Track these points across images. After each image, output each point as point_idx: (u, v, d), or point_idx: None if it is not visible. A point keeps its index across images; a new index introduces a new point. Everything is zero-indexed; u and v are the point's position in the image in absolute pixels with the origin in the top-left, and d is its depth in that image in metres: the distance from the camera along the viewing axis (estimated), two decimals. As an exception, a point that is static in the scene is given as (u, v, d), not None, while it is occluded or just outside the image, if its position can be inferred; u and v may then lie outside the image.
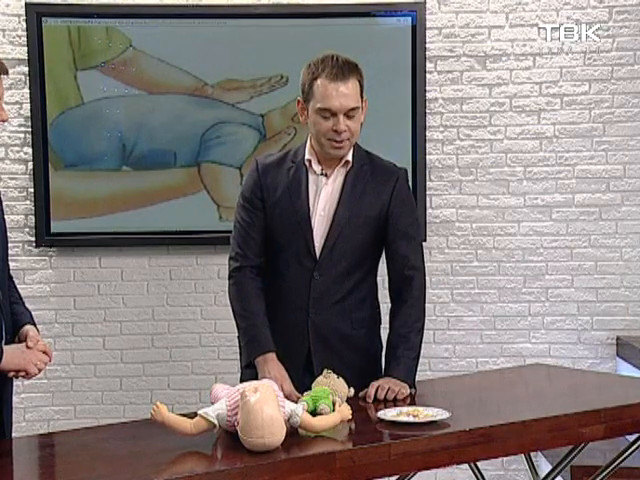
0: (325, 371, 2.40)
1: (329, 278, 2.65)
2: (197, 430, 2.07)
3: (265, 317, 2.64)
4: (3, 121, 2.33)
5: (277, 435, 1.99)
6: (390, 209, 2.67)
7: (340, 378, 2.39)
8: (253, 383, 2.11)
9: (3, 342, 2.33)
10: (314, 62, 2.59)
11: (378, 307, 2.78)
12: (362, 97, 2.61)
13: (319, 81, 2.56)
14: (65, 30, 4.11)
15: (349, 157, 2.67)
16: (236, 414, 2.05)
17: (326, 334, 2.64)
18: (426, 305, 2.70)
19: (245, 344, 2.65)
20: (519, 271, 4.27)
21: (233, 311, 2.71)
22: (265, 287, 2.70)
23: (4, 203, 2.56)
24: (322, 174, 2.67)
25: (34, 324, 2.47)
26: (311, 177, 2.67)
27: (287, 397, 2.25)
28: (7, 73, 2.35)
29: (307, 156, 2.67)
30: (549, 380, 3.00)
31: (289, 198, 2.66)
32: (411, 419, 2.21)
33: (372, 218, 2.66)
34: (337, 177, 2.68)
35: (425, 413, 2.24)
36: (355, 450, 2.04)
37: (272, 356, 2.58)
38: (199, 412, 2.09)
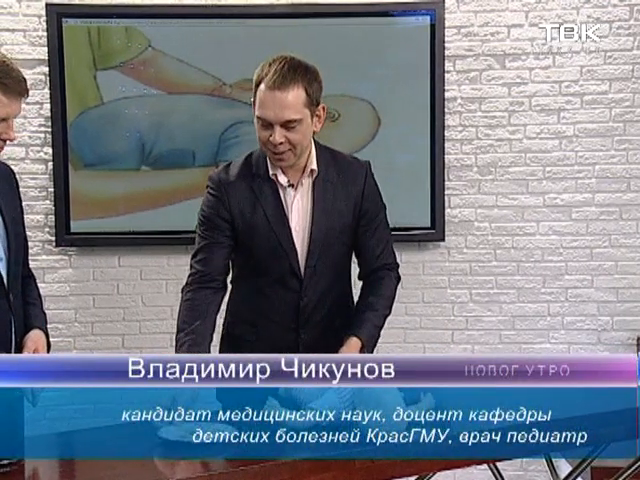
0: None
1: (315, 296, 2.57)
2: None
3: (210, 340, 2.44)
4: (10, 140, 2.32)
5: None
6: (362, 210, 2.59)
7: None
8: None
9: (13, 345, 2.33)
10: (264, 63, 2.48)
11: (353, 303, 2.71)
12: (314, 105, 2.45)
13: (261, 86, 2.43)
14: (85, 30, 4.13)
15: (314, 165, 2.54)
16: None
17: (317, 349, 2.39)
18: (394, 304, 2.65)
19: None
20: (538, 271, 4.25)
21: (178, 325, 2.46)
22: (246, 307, 2.62)
23: (24, 203, 2.57)
24: (289, 185, 2.52)
25: (46, 327, 2.45)
26: (281, 192, 2.52)
27: None
28: (28, 94, 2.33)
29: (271, 170, 2.51)
30: (569, 380, 2.98)
31: (266, 220, 2.51)
32: None
33: (347, 225, 2.57)
34: (306, 189, 2.55)
35: None
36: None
37: None
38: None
